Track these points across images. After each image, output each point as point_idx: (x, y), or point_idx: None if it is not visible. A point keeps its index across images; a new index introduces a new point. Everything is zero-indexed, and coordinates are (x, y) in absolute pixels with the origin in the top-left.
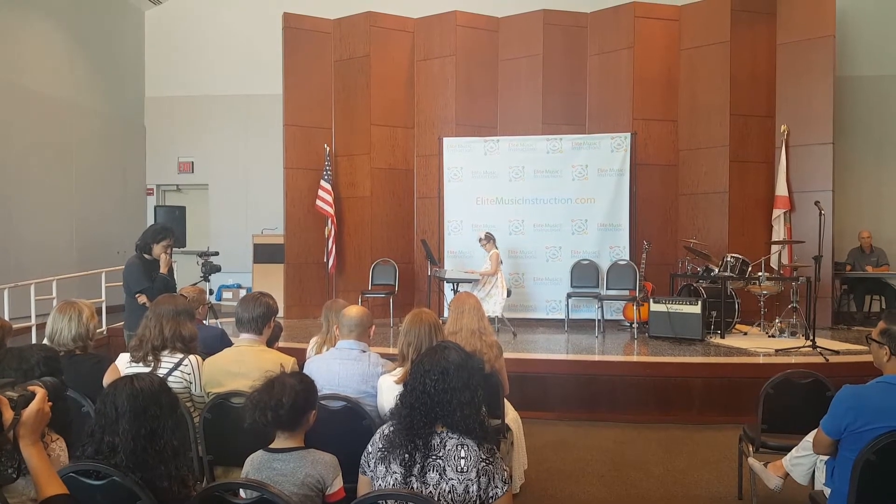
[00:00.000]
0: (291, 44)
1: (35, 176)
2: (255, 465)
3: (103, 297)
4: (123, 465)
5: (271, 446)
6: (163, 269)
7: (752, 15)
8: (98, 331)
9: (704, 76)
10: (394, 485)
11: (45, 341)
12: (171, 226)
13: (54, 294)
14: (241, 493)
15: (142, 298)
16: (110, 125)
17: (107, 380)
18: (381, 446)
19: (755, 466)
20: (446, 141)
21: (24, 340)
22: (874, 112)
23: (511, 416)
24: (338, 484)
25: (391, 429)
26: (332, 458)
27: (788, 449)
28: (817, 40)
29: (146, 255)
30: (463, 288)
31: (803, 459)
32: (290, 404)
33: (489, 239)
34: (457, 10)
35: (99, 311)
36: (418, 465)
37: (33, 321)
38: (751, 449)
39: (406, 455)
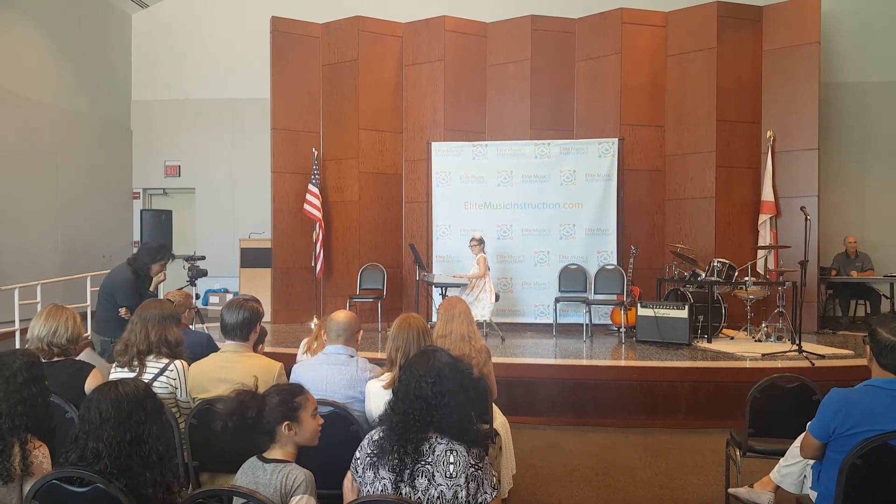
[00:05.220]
0: (279, 48)
1: (19, 179)
2: (244, 470)
3: (88, 302)
4: (108, 471)
5: (263, 454)
6: (153, 287)
7: (739, 22)
8: (83, 336)
9: (691, 82)
10: (382, 490)
11: (28, 346)
12: (167, 243)
13: (38, 299)
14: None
15: (125, 313)
16: (96, 128)
17: (90, 385)
18: (370, 452)
19: (741, 494)
20: (434, 145)
21: (8, 345)
22: (858, 118)
23: (499, 420)
24: (303, 502)
25: (381, 434)
26: (305, 476)
27: (775, 453)
28: (802, 47)
29: (139, 272)
30: (451, 292)
31: (792, 468)
32: (241, 421)
33: (479, 242)
34: (445, 15)
35: (84, 317)
36: (408, 471)
37: (17, 326)
38: (738, 453)
39: (396, 460)
